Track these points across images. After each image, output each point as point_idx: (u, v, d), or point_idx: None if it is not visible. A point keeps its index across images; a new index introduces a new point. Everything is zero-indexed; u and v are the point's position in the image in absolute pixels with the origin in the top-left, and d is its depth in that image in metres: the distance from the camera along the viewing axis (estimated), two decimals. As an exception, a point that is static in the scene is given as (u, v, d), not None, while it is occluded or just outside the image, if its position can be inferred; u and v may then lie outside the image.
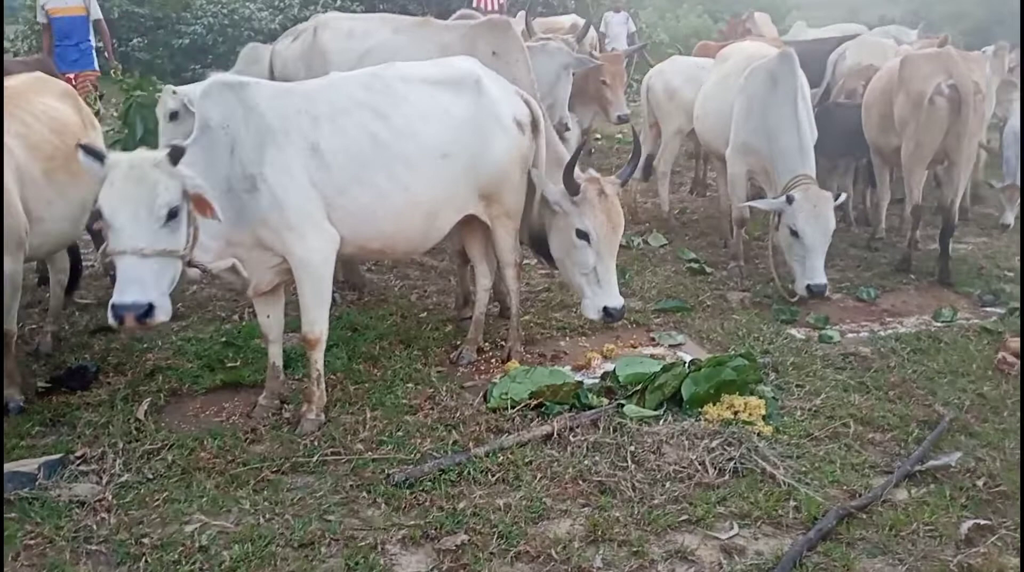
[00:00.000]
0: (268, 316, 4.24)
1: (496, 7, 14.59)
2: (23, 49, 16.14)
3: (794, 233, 5.63)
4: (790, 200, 5.61)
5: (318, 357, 4.17)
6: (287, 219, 3.86)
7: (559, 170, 4.72)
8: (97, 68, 9.24)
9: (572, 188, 4.54)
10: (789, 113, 5.92)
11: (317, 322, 4.11)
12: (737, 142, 6.33)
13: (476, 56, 5.13)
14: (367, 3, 19.38)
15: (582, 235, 4.56)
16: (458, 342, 5.11)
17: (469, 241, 5.01)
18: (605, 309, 4.62)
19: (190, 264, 3.64)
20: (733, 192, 6.54)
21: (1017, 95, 7.92)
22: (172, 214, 3.41)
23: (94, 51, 9.28)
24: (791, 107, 5.93)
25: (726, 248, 7.20)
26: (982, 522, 3.40)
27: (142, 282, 3.35)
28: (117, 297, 3.35)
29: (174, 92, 5.60)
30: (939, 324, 5.61)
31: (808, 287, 5.62)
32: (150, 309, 3.34)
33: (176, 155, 3.43)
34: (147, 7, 18.24)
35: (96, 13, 9.17)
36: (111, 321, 3.38)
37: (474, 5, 14.81)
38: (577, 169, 4.64)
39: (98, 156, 3.44)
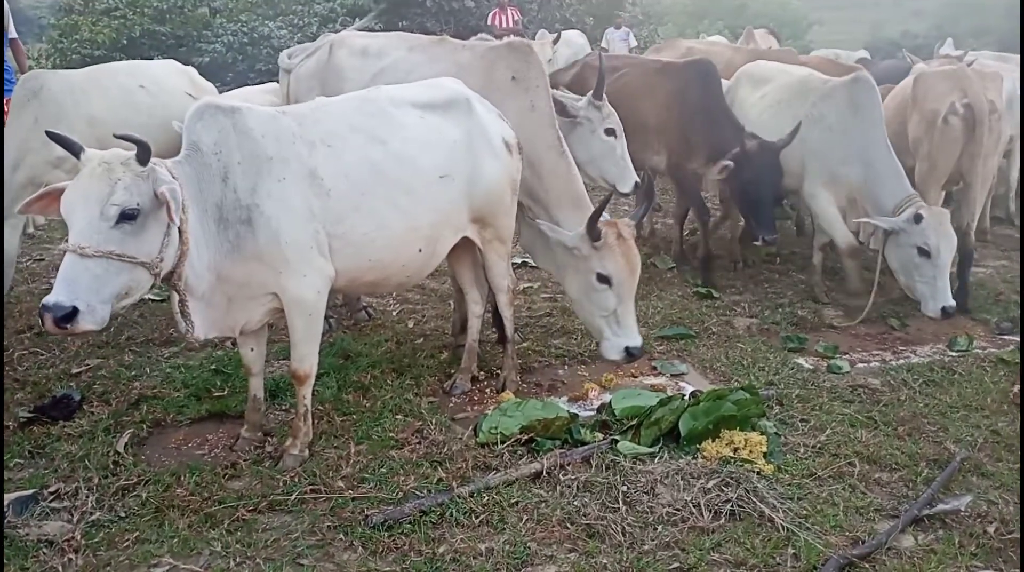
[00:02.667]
0: (251, 349, 4.05)
1: (511, 25, 14.59)
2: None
3: (924, 252, 5.50)
4: (918, 219, 5.46)
5: (307, 392, 4.01)
6: (284, 254, 3.68)
7: (575, 210, 4.76)
8: None
9: (595, 234, 4.53)
10: (879, 136, 5.83)
11: (308, 357, 3.95)
12: (823, 175, 6.06)
13: (494, 79, 5.05)
14: (387, 22, 19.47)
15: (603, 279, 4.57)
16: (453, 370, 4.97)
17: (459, 267, 4.89)
18: (627, 349, 4.62)
19: (173, 286, 3.45)
20: (833, 227, 6.13)
21: None
22: (127, 216, 3.16)
23: (14, 74, 8.06)
24: (879, 130, 5.84)
25: (735, 271, 7.08)
26: (992, 573, 3.22)
27: (73, 284, 3.09)
28: (48, 296, 3.10)
29: None
30: (954, 353, 5.40)
31: (944, 309, 5.53)
32: (72, 314, 3.05)
33: (143, 154, 3.22)
34: (168, 26, 18.45)
35: (13, 32, 8.16)
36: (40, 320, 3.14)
37: (488, 23, 14.83)
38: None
39: (75, 150, 3.27)
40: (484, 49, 5.49)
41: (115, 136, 3.33)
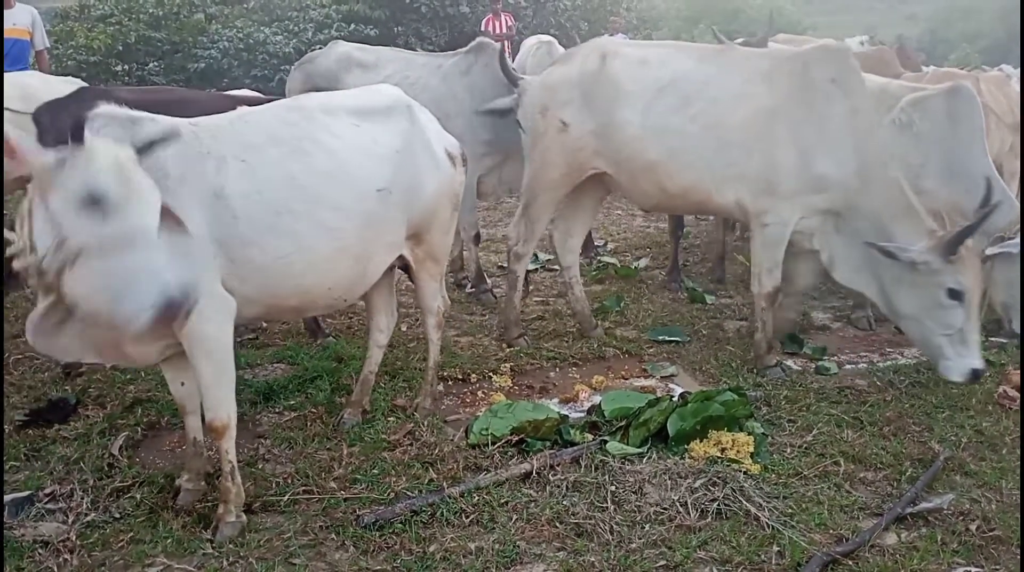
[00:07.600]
0: (182, 383, 3.68)
1: (504, 30, 14.66)
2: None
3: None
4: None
5: (229, 447, 3.51)
6: None
7: (910, 222, 4.61)
8: None
9: (953, 248, 4.40)
10: (979, 153, 5.52)
11: (223, 403, 3.46)
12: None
13: (812, 82, 4.80)
14: (382, 27, 19.53)
15: (955, 295, 4.45)
16: (445, 373, 5.02)
17: (372, 290, 4.28)
18: (974, 371, 4.49)
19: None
20: None
21: None
22: None
23: None
24: (980, 146, 5.53)
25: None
26: (974, 570, 3.27)
27: None
28: None
29: None
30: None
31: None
32: None
33: None
34: (164, 31, 18.44)
35: (41, 43, 8.33)
36: None
37: (482, 29, 14.90)
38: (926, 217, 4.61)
39: None
40: (791, 53, 5.23)
41: None
